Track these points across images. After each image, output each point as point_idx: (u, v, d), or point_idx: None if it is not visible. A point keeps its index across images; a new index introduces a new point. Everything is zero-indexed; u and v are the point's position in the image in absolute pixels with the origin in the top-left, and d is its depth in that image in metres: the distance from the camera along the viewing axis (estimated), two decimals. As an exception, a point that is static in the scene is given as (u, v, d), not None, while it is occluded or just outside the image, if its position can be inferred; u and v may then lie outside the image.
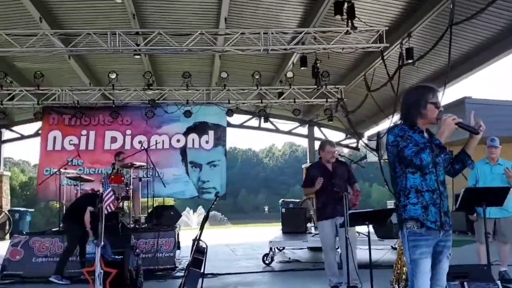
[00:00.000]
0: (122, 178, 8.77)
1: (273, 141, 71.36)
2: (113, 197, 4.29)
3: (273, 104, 14.08)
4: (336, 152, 6.02)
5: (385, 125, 15.84)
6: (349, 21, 9.68)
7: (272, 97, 13.30)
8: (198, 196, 12.98)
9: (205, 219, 5.40)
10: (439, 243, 3.18)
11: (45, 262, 7.71)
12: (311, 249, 10.07)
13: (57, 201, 9.51)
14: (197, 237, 4.98)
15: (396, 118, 15.11)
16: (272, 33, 10.02)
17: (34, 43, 9.60)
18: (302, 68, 11.68)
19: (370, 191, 48.67)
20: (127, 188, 8.83)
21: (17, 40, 9.65)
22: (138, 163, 9.31)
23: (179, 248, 10.15)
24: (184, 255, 10.02)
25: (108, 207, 4.22)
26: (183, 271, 7.75)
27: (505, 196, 5.14)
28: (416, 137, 3.17)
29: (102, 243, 4.05)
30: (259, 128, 18.60)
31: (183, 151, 12.77)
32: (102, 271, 3.95)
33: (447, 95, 14.44)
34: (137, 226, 8.81)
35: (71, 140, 12.40)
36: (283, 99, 13.15)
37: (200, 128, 12.90)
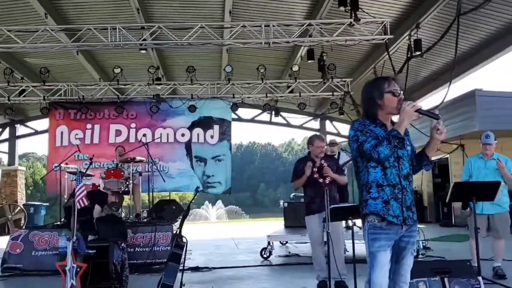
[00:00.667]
0: (122, 173, 8.82)
1: (292, 135, 71.04)
2: (84, 192, 4.28)
3: (283, 98, 14.03)
4: (325, 147, 5.92)
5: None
6: (353, 12, 9.57)
7: (278, 91, 13.20)
8: (202, 190, 13.00)
9: (185, 216, 5.36)
10: (402, 238, 3.10)
11: (44, 256, 7.79)
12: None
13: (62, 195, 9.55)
14: (177, 233, 4.95)
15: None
16: (273, 26, 9.89)
17: (36, 39, 9.68)
18: (309, 61, 11.59)
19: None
20: (127, 183, 8.87)
21: (20, 36, 9.77)
22: (139, 158, 9.33)
23: (181, 242, 10.23)
24: (190, 249, 10.08)
25: (80, 202, 4.23)
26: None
27: (496, 190, 5.01)
28: (377, 130, 3.09)
29: (75, 237, 4.07)
30: (270, 122, 18.54)
31: (188, 145, 12.80)
32: (74, 265, 3.96)
33: (458, 87, 14.09)
34: (137, 220, 8.85)
35: (76, 135, 12.56)
36: (289, 92, 13.03)
37: (205, 123, 12.90)
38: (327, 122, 18.58)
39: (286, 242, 10.18)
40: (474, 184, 5.40)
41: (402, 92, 3.14)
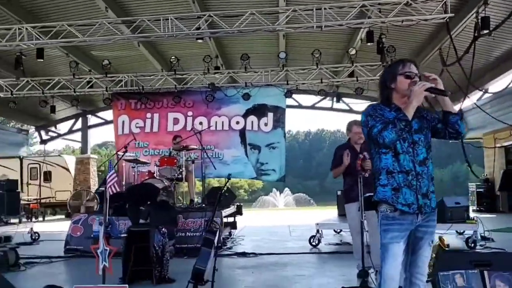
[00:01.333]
0: (175, 160, 9.08)
1: (362, 122, 69.32)
2: (116, 179, 4.45)
3: (341, 83, 13.71)
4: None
5: (467, 102, 14.80)
6: (410, -10, 9.11)
7: (334, 76, 12.91)
8: (256, 178, 13.11)
9: (218, 201, 5.42)
10: (419, 228, 2.97)
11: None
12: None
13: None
14: (210, 219, 5.01)
15: (474, 92, 14.07)
16: (325, 9, 9.64)
17: (95, 32, 10.12)
18: (369, 43, 11.22)
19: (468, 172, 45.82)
20: (180, 170, 9.11)
21: (81, 30, 10.24)
22: (192, 146, 9.55)
23: (235, 228, 10.41)
24: (243, 235, 10.26)
25: (111, 188, 4.40)
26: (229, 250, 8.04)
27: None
28: (390, 115, 2.96)
29: (108, 222, 4.26)
30: (331, 109, 18.20)
31: (242, 133, 12.91)
32: (106, 248, 4.14)
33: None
34: (189, 206, 9.10)
35: (137, 123, 13.10)
36: (348, 77, 12.70)
37: (259, 110, 12.93)
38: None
39: (341, 231, 10.02)
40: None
41: (418, 74, 2.99)
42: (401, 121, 2.81)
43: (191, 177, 9.60)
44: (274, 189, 42.21)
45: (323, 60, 12.50)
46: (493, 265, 4.18)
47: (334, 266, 6.58)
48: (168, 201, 7.93)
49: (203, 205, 9.11)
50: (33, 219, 13.70)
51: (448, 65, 11.45)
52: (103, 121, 18.48)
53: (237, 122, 12.98)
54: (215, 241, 4.91)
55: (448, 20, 9.44)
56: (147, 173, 9.28)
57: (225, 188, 6.01)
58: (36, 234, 10.24)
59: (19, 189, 17.21)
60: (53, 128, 18.69)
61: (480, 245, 7.44)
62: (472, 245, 7.41)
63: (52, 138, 19.07)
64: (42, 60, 11.24)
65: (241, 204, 12.29)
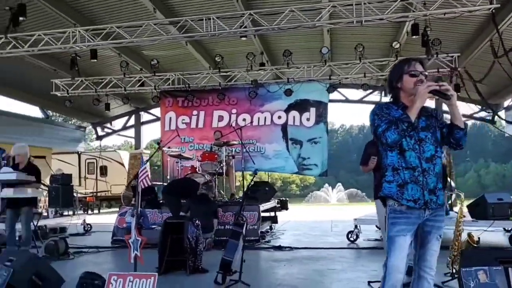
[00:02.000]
0: (216, 156, 9.36)
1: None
2: (147, 173, 4.73)
3: (385, 77, 13.51)
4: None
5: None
6: (452, -19, 8.88)
7: (377, 70, 12.76)
8: (298, 172, 13.19)
9: (244, 196, 5.60)
10: (426, 222, 3.04)
11: (147, 230, 8.62)
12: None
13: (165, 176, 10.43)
14: (238, 212, 5.21)
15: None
16: (365, 3, 9.58)
17: (142, 33, 10.56)
18: (414, 36, 11.03)
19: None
20: (221, 165, 9.39)
21: (129, 31, 10.71)
22: (232, 141, 9.80)
23: (276, 222, 10.58)
24: (285, 229, 10.40)
25: (143, 182, 4.69)
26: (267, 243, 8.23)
27: None
28: (396, 113, 3.02)
29: (140, 214, 4.54)
30: (379, 103, 17.88)
31: (284, 128, 13.01)
32: (138, 238, 4.43)
33: None
34: (228, 200, 9.36)
35: (183, 120, 13.55)
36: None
37: (301, 105, 12.98)
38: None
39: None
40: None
41: (424, 73, 3.02)
42: (403, 122, 2.87)
43: (231, 172, 9.85)
44: (326, 184, 41.96)
45: (366, 54, 12.39)
46: (519, 262, 4.11)
47: (368, 261, 6.62)
48: (207, 195, 8.22)
49: (244, 199, 9.31)
50: (89, 212, 14.48)
51: (499, 56, 11.05)
52: (155, 117, 19.15)
53: (279, 117, 13.10)
54: (242, 233, 5.11)
55: (494, 11, 9.11)
56: (190, 168, 9.62)
57: (252, 184, 6.13)
58: (89, 226, 10.88)
59: (78, 183, 18.39)
60: (108, 125, 19.59)
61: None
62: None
63: (107, 134, 19.97)
64: (95, 60, 11.87)
65: (287, 199, 12.44)
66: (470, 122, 20.15)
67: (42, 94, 15.26)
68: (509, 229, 8.80)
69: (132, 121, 19.34)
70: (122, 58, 13.26)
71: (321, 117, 12.86)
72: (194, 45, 13.66)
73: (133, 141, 20.74)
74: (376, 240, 8.69)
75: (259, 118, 13.05)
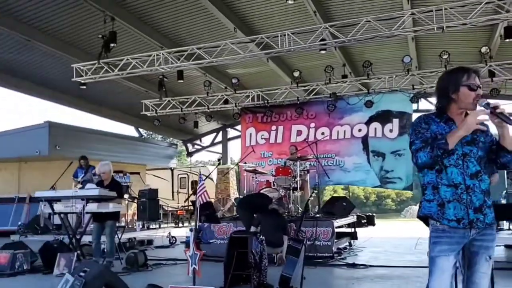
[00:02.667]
0: (290, 170, 9.36)
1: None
2: (205, 189, 4.85)
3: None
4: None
5: None
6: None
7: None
8: (380, 186, 12.69)
9: (305, 210, 5.51)
10: (473, 242, 2.79)
11: (222, 244, 8.81)
12: (507, 246, 9.08)
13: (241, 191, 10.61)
14: (297, 228, 5.16)
15: None
16: (446, 9, 9.14)
17: (221, 52, 10.93)
18: (507, 40, 10.29)
19: None
20: (296, 180, 9.36)
21: (209, 51, 11.13)
22: (307, 156, 9.75)
23: (355, 238, 10.29)
24: (365, 246, 10.09)
25: (201, 198, 4.81)
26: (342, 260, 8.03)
27: None
28: (437, 128, 2.81)
29: (199, 228, 4.67)
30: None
31: (365, 140, 12.65)
32: (196, 252, 4.57)
33: None
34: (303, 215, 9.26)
35: (262, 135, 13.74)
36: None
37: (383, 117, 12.55)
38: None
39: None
40: None
41: (480, 88, 2.77)
42: (439, 148, 2.66)
43: (306, 186, 9.77)
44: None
45: (453, 61, 11.71)
46: None
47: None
48: (277, 210, 8.21)
49: (317, 215, 9.20)
50: (180, 225, 15.12)
51: None
52: (240, 133, 19.67)
53: (359, 130, 12.78)
54: (300, 249, 5.04)
55: None
56: (265, 183, 9.71)
57: (309, 198, 6.02)
58: (174, 238, 11.35)
59: (171, 197, 19.32)
60: (198, 142, 20.45)
61: None
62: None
63: (197, 151, 20.89)
64: (182, 81, 12.51)
65: (373, 214, 12.05)
66: None
67: (136, 113, 16.37)
68: None
69: (219, 137, 20.01)
70: (207, 78, 13.82)
71: (405, 128, 12.30)
72: (275, 61, 13.85)
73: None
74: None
75: (338, 131, 12.85)
